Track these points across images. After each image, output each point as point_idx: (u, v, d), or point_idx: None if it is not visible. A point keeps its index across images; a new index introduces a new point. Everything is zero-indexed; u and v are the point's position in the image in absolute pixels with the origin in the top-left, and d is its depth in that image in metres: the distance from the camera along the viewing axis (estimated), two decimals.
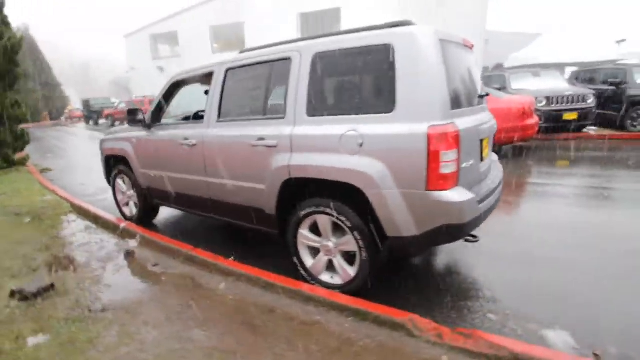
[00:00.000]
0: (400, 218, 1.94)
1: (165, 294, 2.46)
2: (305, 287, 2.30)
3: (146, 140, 3.43)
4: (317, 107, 2.21)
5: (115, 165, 4.03)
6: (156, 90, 22.23)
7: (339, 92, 2.12)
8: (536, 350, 1.65)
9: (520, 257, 2.81)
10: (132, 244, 3.33)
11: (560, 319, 2.00)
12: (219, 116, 2.77)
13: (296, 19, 21.63)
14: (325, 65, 2.20)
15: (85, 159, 9.59)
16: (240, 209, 2.72)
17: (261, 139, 2.42)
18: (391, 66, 1.93)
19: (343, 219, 2.14)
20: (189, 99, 4.11)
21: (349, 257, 2.31)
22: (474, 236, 2.30)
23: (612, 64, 10.29)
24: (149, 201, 3.72)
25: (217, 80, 2.80)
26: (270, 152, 2.38)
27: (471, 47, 2.52)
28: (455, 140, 1.82)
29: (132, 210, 3.99)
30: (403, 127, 1.88)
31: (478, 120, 2.26)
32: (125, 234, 3.54)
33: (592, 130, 8.54)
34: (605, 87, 8.48)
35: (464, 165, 1.96)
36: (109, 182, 4.26)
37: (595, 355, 1.68)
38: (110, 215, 4.04)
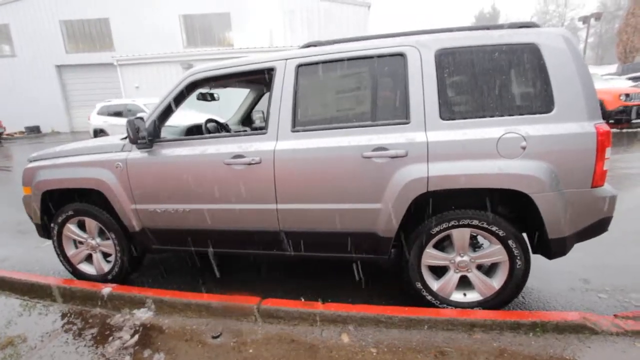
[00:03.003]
0: (565, 218, 1.91)
1: None
2: (453, 313, 2.02)
3: (147, 163, 2.42)
4: (453, 109, 1.97)
5: (62, 203, 2.72)
6: None
7: (480, 93, 1.94)
8: None
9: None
10: (142, 315, 2.28)
11: None
12: (293, 125, 2.18)
13: (179, 21, 19.62)
14: (455, 63, 1.99)
15: None
16: (332, 237, 2.20)
17: (380, 148, 2.01)
18: (541, 65, 1.89)
19: (494, 228, 1.97)
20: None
21: (485, 270, 2.16)
22: None
23: None
24: (144, 247, 2.64)
25: (284, 79, 2.20)
26: (393, 164, 2.00)
27: None
28: (611, 136, 1.91)
29: (100, 265, 2.76)
30: (568, 126, 1.85)
31: None
32: (116, 303, 2.40)
33: None
34: None
35: None
36: (44, 231, 2.85)
37: None
38: (74, 280, 2.70)
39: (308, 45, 2.32)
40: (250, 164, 2.20)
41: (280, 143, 2.18)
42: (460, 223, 2.01)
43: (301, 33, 19.24)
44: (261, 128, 2.27)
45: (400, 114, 2.04)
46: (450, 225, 2.02)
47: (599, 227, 1.99)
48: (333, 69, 2.17)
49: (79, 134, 18.41)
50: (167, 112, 2.45)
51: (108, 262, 2.79)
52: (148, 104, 10.40)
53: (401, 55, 2.05)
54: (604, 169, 1.88)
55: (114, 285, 2.56)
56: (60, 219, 2.73)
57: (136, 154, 2.45)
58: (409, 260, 2.12)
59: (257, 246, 2.39)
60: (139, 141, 2.30)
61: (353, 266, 2.67)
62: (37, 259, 3.41)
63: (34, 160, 2.84)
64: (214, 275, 2.87)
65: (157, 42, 18.75)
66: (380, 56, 2.08)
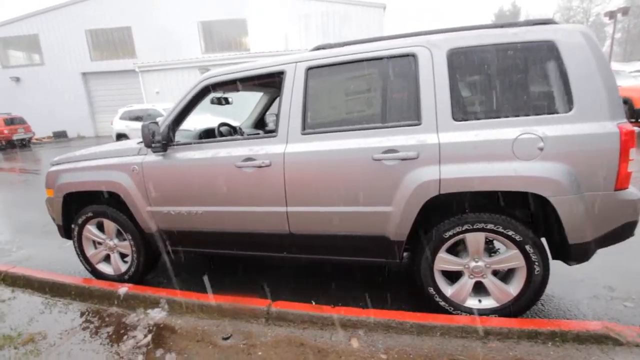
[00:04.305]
0: (586, 223, 1.82)
1: None
2: (467, 320, 1.96)
3: (162, 166, 2.47)
4: (466, 110, 1.93)
5: (82, 205, 2.82)
6: (11, 107, 17.87)
7: (494, 93, 1.89)
8: None
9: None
10: (156, 315, 2.33)
11: None
12: (303, 127, 2.18)
13: (197, 28, 20.11)
14: (467, 63, 1.94)
15: None
16: (342, 240, 2.18)
17: (390, 150, 1.98)
18: (559, 63, 1.82)
19: (511, 232, 1.91)
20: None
21: (501, 276, 2.09)
22: None
23: None
24: (161, 248, 2.70)
25: (294, 82, 2.21)
26: (404, 166, 1.97)
27: None
28: (635, 136, 1.81)
29: (118, 265, 2.84)
30: (589, 126, 1.77)
31: None
32: (131, 302, 2.46)
33: None
34: None
35: None
36: (66, 232, 2.96)
37: None
38: (88, 278, 2.79)
39: (318, 48, 2.32)
40: (260, 166, 2.21)
41: (290, 146, 2.18)
42: (475, 227, 1.95)
43: (316, 36, 19.32)
44: (272, 131, 2.28)
45: (411, 115, 2.01)
46: (464, 229, 1.96)
47: (624, 231, 1.89)
48: (343, 71, 2.16)
49: (103, 138, 19.11)
50: (181, 117, 2.50)
51: (125, 262, 2.86)
52: (167, 109, 10.68)
53: (412, 55, 2.01)
54: (629, 170, 1.79)
55: (130, 285, 2.63)
56: (80, 220, 2.83)
57: (151, 157, 2.51)
58: (421, 265, 2.07)
59: (268, 249, 2.40)
60: (152, 145, 2.36)
61: (364, 269, 2.64)
62: (60, 259, 3.54)
63: (56, 164, 2.95)
64: (226, 275, 2.90)
65: (176, 49, 19.28)
66: (390, 57, 2.05)
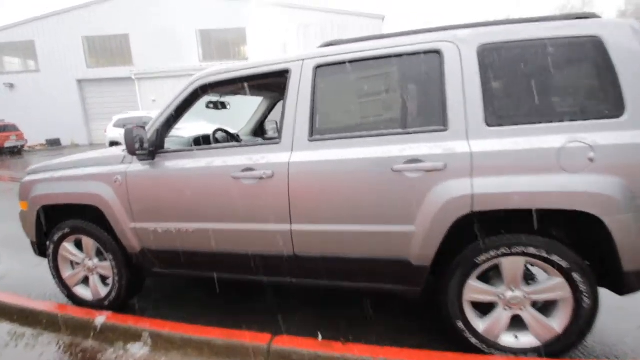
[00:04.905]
0: None
1: None
2: None
3: (148, 177, 2.17)
4: (501, 114, 1.66)
5: (55, 221, 2.50)
6: (3, 114, 17.49)
7: (533, 95, 1.63)
8: None
9: None
10: (137, 351, 1.99)
11: None
12: (311, 133, 1.90)
13: (196, 36, 20.03)
14: (501, 60, 1.68)
15: None
16: (355, 264, 1.89)
17: (413, 160, 1.70)
18: (607, 62, 1.57)
19: (555, 257, 1.62)
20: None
21: (541, 308, 1.79)
22: None
23: None
24: (144, 270, 2.38)
25: (301, 81, 1.94)
26: (430, 179, 1.69)
27: None
28: None
29: (97, 289, 2.50)
30: None
31: None
32: (109, 335, 2.13)
33: None
34: None
35: None
36: (39, 250, 2.64)
37: None
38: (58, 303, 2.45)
39: (327, 45, 2.06)
40: (261, 178, 1.92)
41: (296, 154, 1.90)
42: (513, 251, 1.66)
43: (315, 46, 19.24)
44: (275, 138, 2.00)
45: (436, 120, 1.73)
46: (500, 253, 1.68)
47: None
48: (356, 69, 1.90)
49: (98, 146, 18.73)
50: (172, 120, 2.21)
51: (106, 285, 2.53)
52: None
53: (436, 52, 1.76)
54: None
55: (108, 313, 2.30)
56: (56, 237, 2.50)
57: (137, 166, 2.21)
58: (447, 295, 1.78)
59: (269, 272, 2.09)
60: (137, 152, 2.07)
61: (379, 294, 2.33)
62: (37, 278, 3.19)
63: (32, 173, 2.65)
64: (220, 300, 2.58)
65: (174, 57, 19.13)
66: (411, 54, 1.79)
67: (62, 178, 2.41)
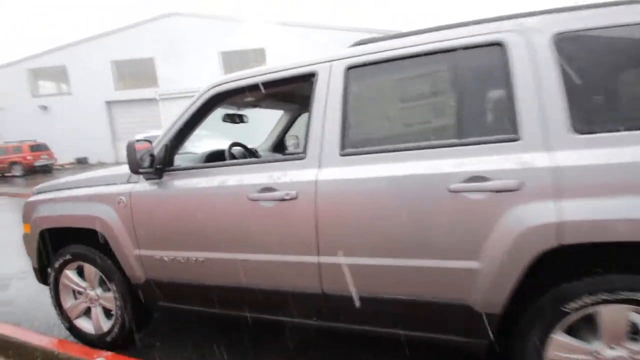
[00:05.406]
0: None
1: None
2: None
3: (154, 198, 1.91)
4: (592, 118, 1.29)
5: (60, 245, 2.27)
6: (37, 134, 18.37)
7: (636, 94, 1.27)
8: None
9: None
10: None
11: None
12: (343, 146, 1.58)
13: (217, 57, 20.61)
14: (587, 51, 1.33)
15: None
16: (398, 307, 1.51)
17: (476, 178, 1.34)
18: None
19: None
20: None
21: None
22: None
23: None
24: (151, 303, 2.08)
25: (330, 86, 1.64)
26: (499, 201, 1.32)
27: None
28: None
29: (99, 323, 2.22)
30: None
31: None
32: None
33: None
34: None
35: None
36: (42, 277, 2.40)
37: None
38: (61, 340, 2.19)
39: (358, 44, 1.76)
40: (283, 199, 1.60)
41: (325, 171, 1.58)
42: (617, 297, 1.25)
43: None
44: (299, 152, 1.69)
45: (503, 127, 1.38)
46: (599, 299, 1.26)
47: None
48: (396, 69, 1.58)
49: (122, 164, 19.23)
50: (182, 134, 1.96)
51: (110, 317, 2.25)
52: None
53: (497, 44, 1.42)
54: None
55: (108, 354, 2.00)
56: (57, 264, 2.27)
57: (143, 186, 1.96)
58: (525, 353, 1.36)
59: (291, 312, 1.74)
60: (140, 170, 1.81)
61: (430, 348, 1.92)
62: (45, 303, 2.97)
63: (38, 193, 2.45)
64: (236, 335, 2.24)
65: (197, 78, 19.64)
66: (466, 48, 1.46)
67: (65, 198, 2.19)
